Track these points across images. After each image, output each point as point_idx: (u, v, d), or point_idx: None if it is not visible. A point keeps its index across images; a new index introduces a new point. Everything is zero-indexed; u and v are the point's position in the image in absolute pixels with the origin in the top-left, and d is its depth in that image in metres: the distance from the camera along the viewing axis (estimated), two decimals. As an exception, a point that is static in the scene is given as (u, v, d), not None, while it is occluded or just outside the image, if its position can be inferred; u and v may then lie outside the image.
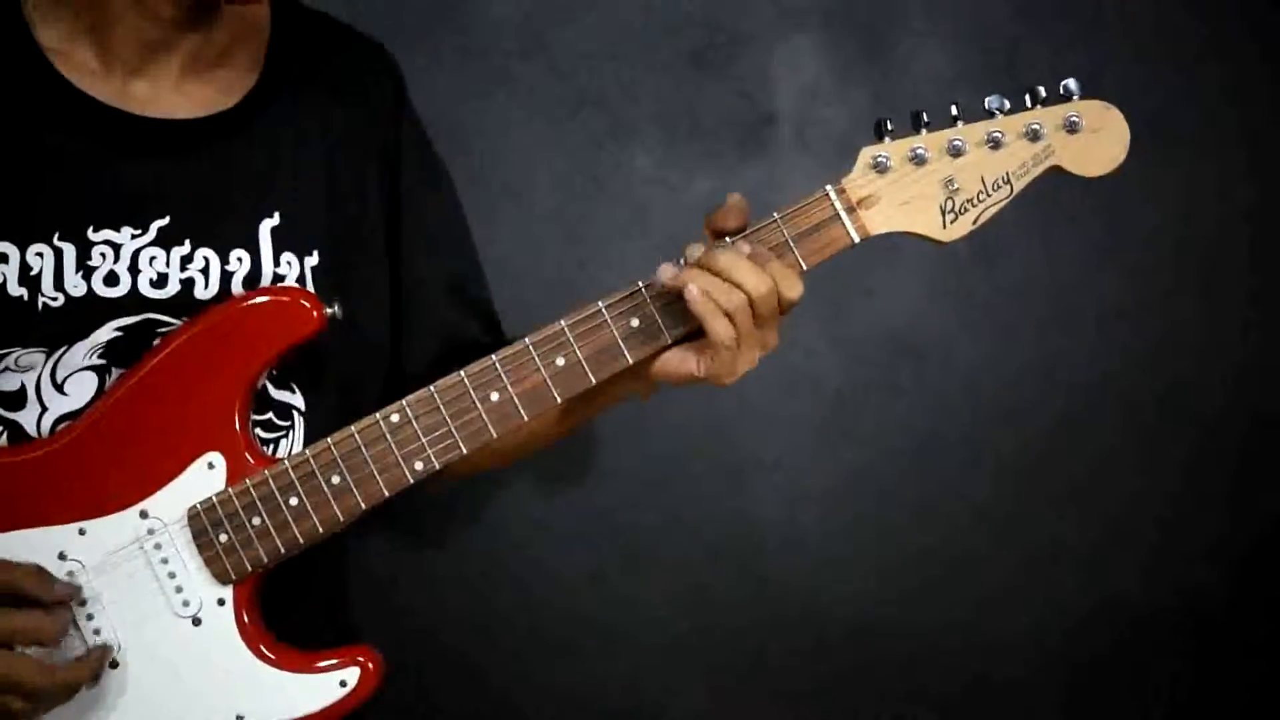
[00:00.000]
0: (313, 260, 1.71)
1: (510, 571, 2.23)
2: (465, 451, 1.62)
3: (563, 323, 1.62)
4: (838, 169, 2.16)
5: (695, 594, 2.23)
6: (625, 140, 2.20)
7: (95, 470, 1.63)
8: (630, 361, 1.62)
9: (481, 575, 2.23)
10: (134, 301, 1.64)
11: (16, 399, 1.64)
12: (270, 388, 1.70)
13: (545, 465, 2.21)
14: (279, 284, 1.69)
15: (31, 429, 1.64)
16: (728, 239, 1.60)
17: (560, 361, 1.61)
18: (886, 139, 1.60)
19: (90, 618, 1.61)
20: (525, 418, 1.62)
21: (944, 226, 1.60)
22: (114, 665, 1.61)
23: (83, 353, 1.64)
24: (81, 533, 1.62)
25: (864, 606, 2.24)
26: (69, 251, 1.63)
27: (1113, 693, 2.26)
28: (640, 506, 2.22)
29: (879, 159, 1.60)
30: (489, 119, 2.18)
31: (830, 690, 2.25)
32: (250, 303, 1.66)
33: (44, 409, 1.64)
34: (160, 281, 1.65)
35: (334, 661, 1.63)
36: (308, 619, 1.71)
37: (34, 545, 1.60)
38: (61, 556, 1.61)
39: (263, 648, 1.62)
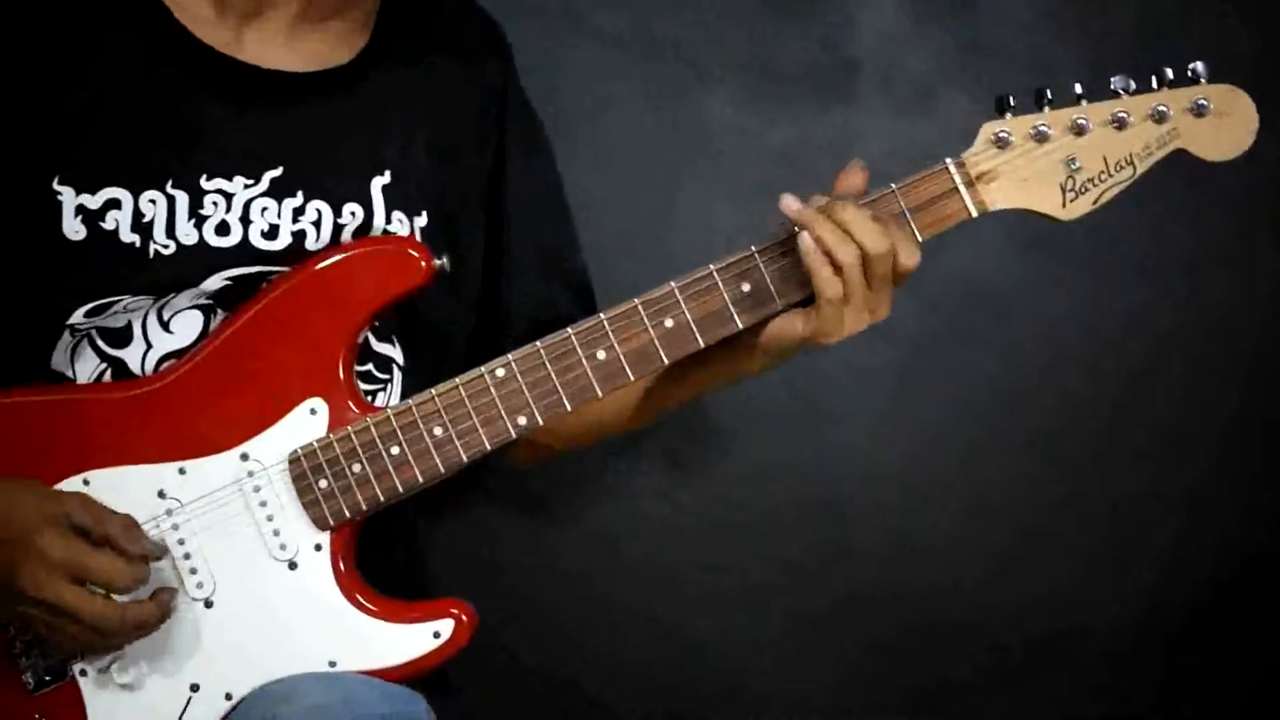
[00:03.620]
0: (421, 221, 1.71)
1: (580, 524, 2.22)
2: (569, 408, 1.62)
3: (673, 284, 1.61)
4: (919, 116, 2.15)
5: (770, 546, 2.21)
6: (705, 87, 2.18)
7: (198, 410, 1.63)
8: (739, 326, 1.61)
9: (552, 530, 2.22)
10: (245, 252, 1.64)
11: (122, 336, 1.64)
12: (372, 339, 1.70)
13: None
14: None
15: (135, 366, 1.64)
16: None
17: (669, 323, 1.61)
18: (1008, 115, 1.59)
19: (187, 557, 1.61)
20: (632, 377, 1.61)
21: (1064, 205, 1.59)
22: (208, 605, 1.62)
23: (190, 295, 1.64)
24: (181, 472, 1.62)
25: (941, 557, 2.22)
26: (182, 200, 1.63)
27: (1207, 647, 2.24)
28: (714, 458, 2.21)
29: (1000, 134, 1.59)
30: (567, 66, 2.16)
31: (910, 642, 2.22)
32: (360, 250, 1.66)
33: (149, 346, 1.64)
34: (271, 233, 1.65)
35: (428, 612, 1.63)
36: (392, 574, 1.71)
37: (134, 482, 1.61)
38: (161, 495, 1.61)
39: (359, 596, 1.62)
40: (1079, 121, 1.58)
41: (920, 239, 1.59)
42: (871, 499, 2.22)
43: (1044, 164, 1.58)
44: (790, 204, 1.56)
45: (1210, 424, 2.23)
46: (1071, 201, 1.59)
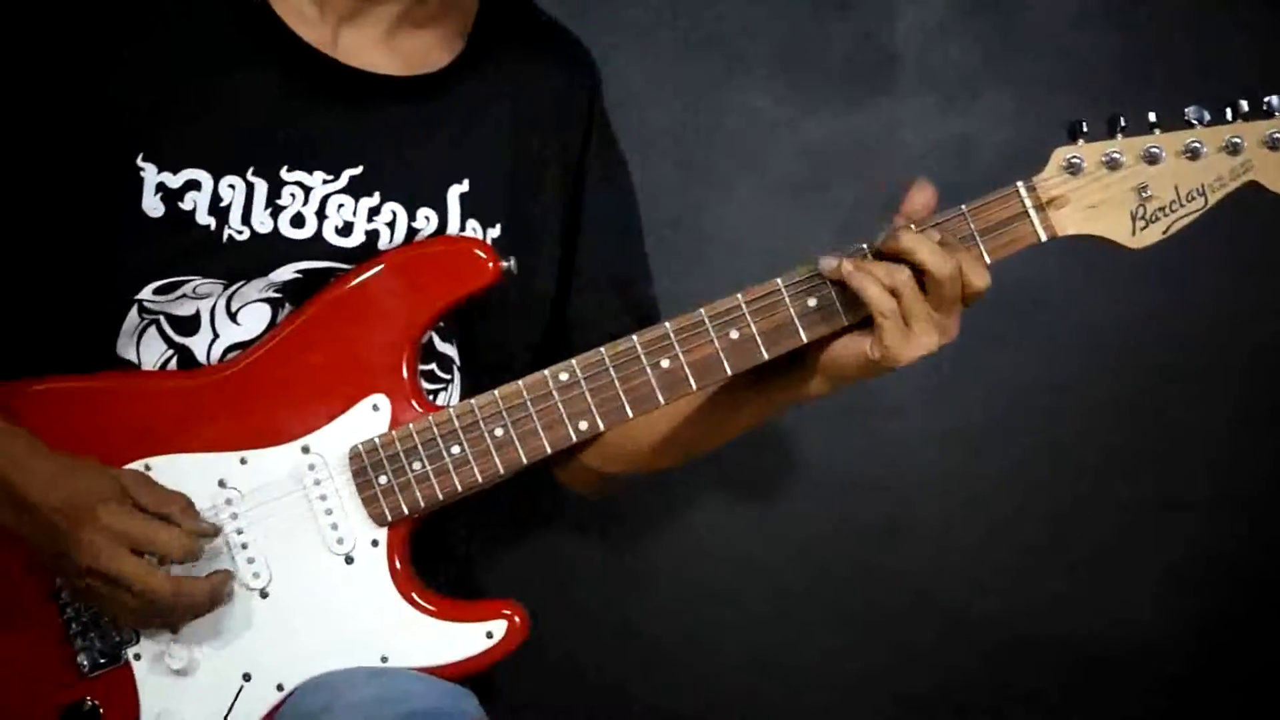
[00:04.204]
0: (494, 232, 1.73)
1: (627, 523, 2.21)
2: (631, 416, 1.62)
3: (740, 296, 1.61)
4: (958, 110, 2.12)
5: (818, 539, 2.21)
6: (744, 80, 2.18)
7: (261, 402, 1.64)
8: (804, 340, 1.61)
9: (596, 526, 2.21)
10: (317, 246, 1.66)
11: (190, 324, 1.65)
12: (436, 339, 1.71)
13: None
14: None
15: (201, 355, 1.66)
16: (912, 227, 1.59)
17: (734, 334, 1.61)
18: (1080, 141, 1.59)
19: (244, 547, 1.62)
20: (694, 387, 1.62)
21: (1134, 233, 1.59)
22: (264, 595, 1.63)
23: (259, 286, 1.65)
24: (243, 462, 1.63)
25: (985, 552, 2.21)
26: (260, 188, 1.64)
27: (1239, 649, 2.22)
28: (762, 453, 2.20)
29: (1072, 160, 1.58)
30: (603, 60, 2.12)
31: (955, 632, 2.22)
32: (428, 249, 1.68)
33: (215, 336, 1.66)
34: (345, 230, 1.67)
35: (482, 612, 1.63)
36: (442, 576, 1.72)
37: (196, 470, 1.62)
38: (221, 484, 1.63)
39: (414, 594, 1.63)
40: (1152, 150, 1.58)
41: (989, 261, 1.59)
42: (913, 493, 2.22)
43: (1115, 191, 1.58)
44: (828, 263, 1.56)
45: (1251, 421, 2.21)
46: (1141, 230, 1.59)
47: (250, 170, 1.64)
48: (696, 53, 2.17)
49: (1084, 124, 1.60)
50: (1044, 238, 1.59)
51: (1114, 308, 2.19)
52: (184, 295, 1.64)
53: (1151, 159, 1.58)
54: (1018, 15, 2.16)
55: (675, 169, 2.17)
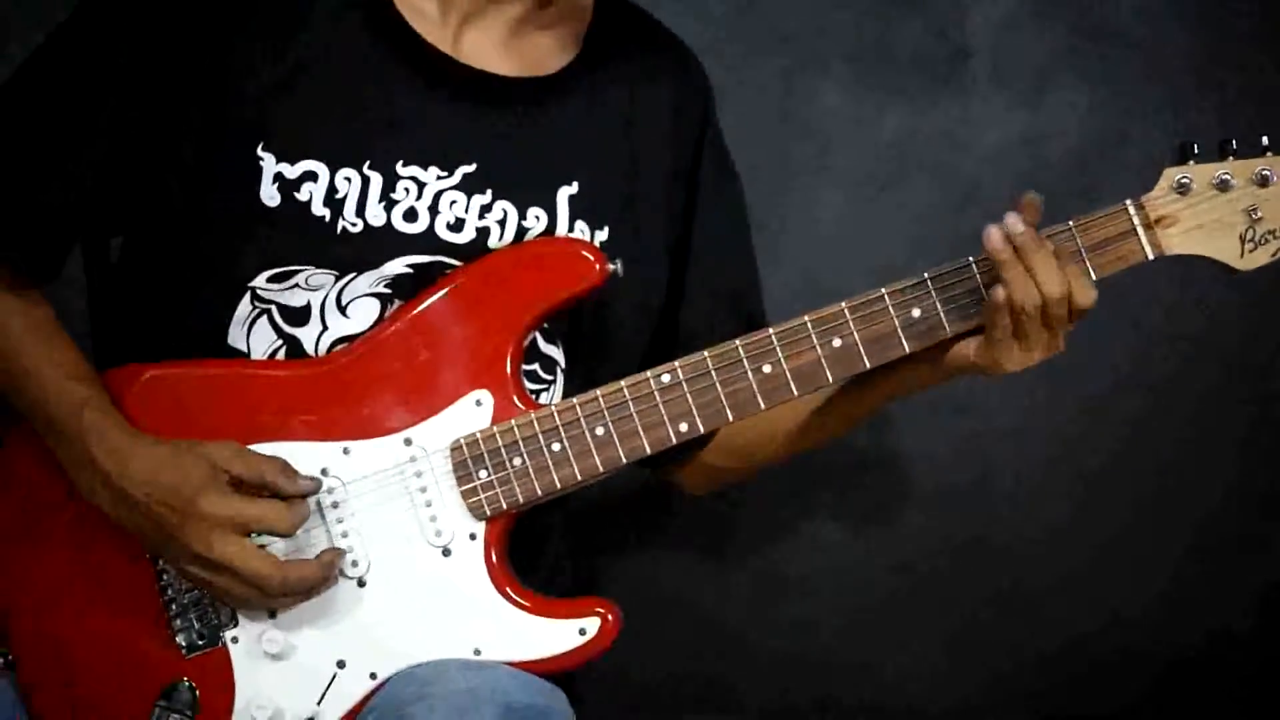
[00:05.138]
0: (602, 235, 1.75)
1: (715, 521, 2.22)
2: (732, 419, 1.64)
3: (843, 304, 1.63)
4: (1031, 105, 2.13)
5: (886, 533, 2.22)
6: (814, 75, 2.19)
7: (366, 393, 1.66)
8: (906, 350, 1.62)
9: (684, 524, 2.23)
10: (429, 241, 1.68)
11: (300, 315, 1.68)
12: (540, 340, 1.73)
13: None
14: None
15: (310, 346, 1.68)
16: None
17: (837, 342, 1.63)
18: (1191, 161, 1.60)
19: (345, 535, 1.64)
20: (795, 393, 1.63)
21: (1241, 255, 1.59)
22: (361, 584, 1.65)
23: (369, 280, 1.68)
24: (346, 452, 1.65)
25: (1056, 547, 2.21)
26: (376, 181, 1.67)
27: None
28: (829, 448, 2.21)
29: (1182, 180, 1.59)
30: None
31: (1020, 629, 2.22)
32: (536, 249, 1.70)
33: (324, 328, 1.68)
34: (457, 226, 1.69)
35: (575, 610, 1.65)
36: (537, 570, 1.74)
37: (299, 458, 1.64)
38: (324, 473, 1.65)
39: (509, 589, 1.65)
40: (1263, 173, 1.58)
41: (1094, 277, 1.60)
42: (982, 490, 2.21)
43: (1225, 212, 1.59)
44: (995, 238, 1.56)
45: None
46: (1250, 252, 1.59)
47: (367, 164, 1.67)
48: (768, 49, 2.18)
49: (1195, 145, 1.61)
50: (1151, 256, 1.60)
51: (1195, 297, 2.18)
52: (296, 285, 1.67)
53: (1263, 181, 1.59)
54: (1088, 10, 2.17)
55: (748, 165, 2.15)
